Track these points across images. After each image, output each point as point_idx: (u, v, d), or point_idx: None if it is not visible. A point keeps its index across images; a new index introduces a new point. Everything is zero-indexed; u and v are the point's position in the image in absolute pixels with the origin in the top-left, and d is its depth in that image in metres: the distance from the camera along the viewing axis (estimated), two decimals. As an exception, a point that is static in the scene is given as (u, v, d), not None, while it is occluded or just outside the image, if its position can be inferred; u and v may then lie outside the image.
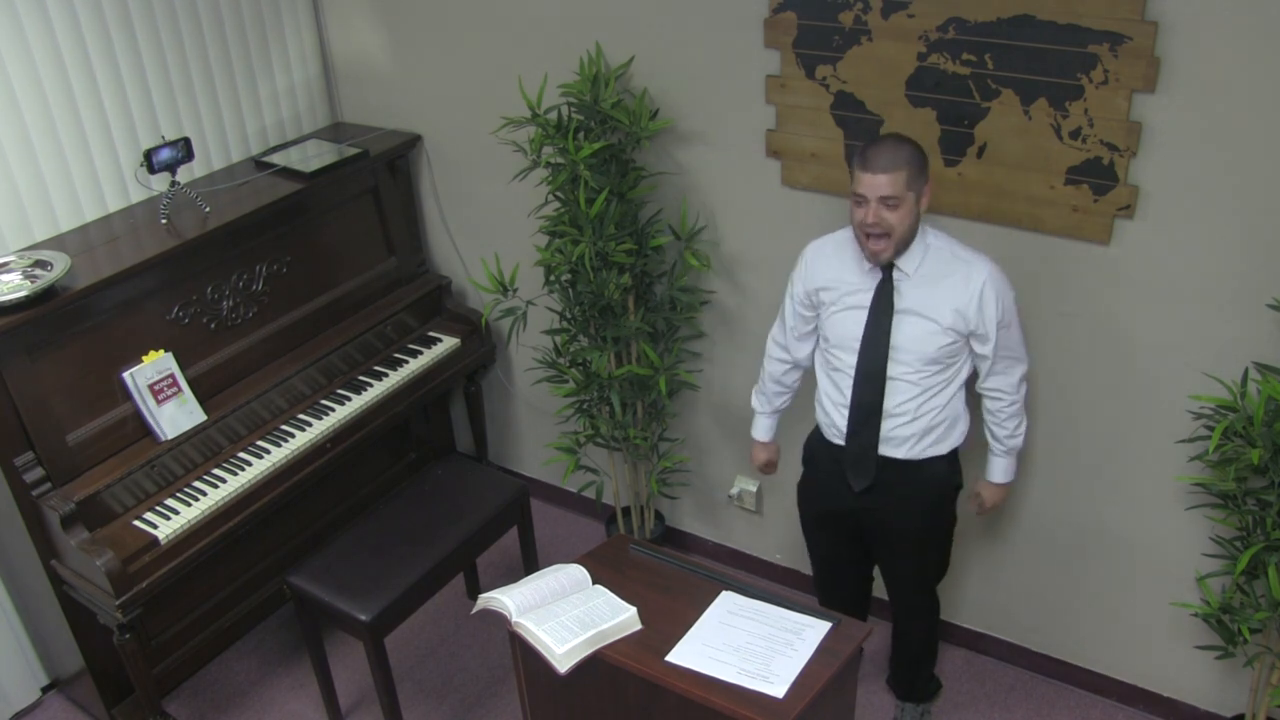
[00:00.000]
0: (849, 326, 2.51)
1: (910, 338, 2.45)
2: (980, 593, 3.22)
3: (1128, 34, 2.34)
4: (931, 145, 2.69)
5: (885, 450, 2.56)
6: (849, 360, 2.52)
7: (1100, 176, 2.52)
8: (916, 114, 2.68)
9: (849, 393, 2.54)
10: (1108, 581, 2.98)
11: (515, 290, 3.21)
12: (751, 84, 2.91)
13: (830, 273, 2.54)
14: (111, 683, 3.16)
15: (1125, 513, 2.86)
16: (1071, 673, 3.18)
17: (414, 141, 3.71)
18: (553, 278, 3.17)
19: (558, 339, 3.32)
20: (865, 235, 2.39)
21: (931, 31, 2.57)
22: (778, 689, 2.05)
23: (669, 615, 2.25)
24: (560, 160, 2.99)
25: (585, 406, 3.35)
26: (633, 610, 2.24)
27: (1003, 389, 2.56)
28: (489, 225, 3.69)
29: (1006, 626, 3.25)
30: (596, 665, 2.19)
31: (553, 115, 3.04)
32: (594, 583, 2.36)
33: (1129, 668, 3.07)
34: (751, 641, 2.17)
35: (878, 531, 2.71)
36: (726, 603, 2.28)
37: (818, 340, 2.66)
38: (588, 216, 2.93)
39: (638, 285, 3.19)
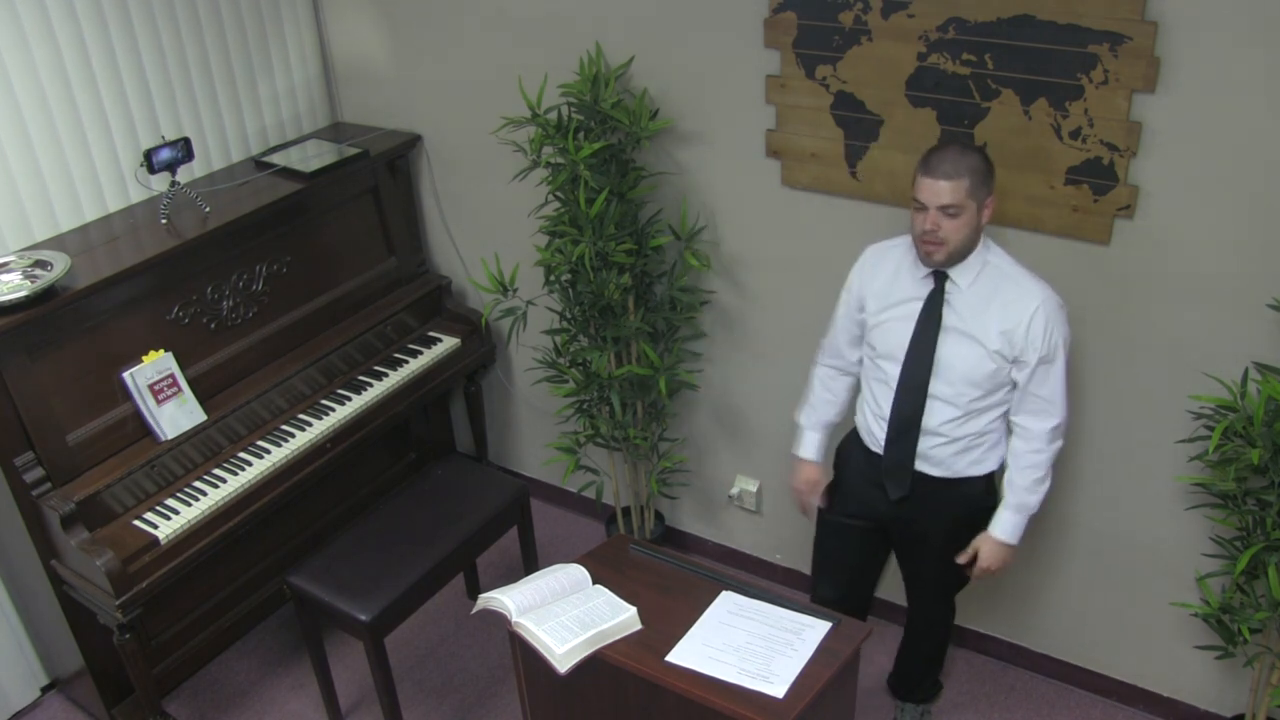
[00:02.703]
0: (896, 337, 2.44)
1: (955, 358, 2.38)
2: (981, 593, 3.22)
3: (1128, 34, 2.34)
4: (931, 145, 2.68)
5: (921, 467, 2.50)
6: (893, 372, 2.46)
7: (1100, 176, 2.52)
8: (916, 114, 2.68)
9: (889, 406, 2.48)
10: (1107, 581, 2.98)
11: (515, 290, 3.21)
12: (751, 84, 2.91)
13: (884, 279, 2.48)
14: (111, 683, 3.16)
15: (1125, 512, 2.86)
16: (1071, 673, 3.18)
17: (414, 141, 3.71)
18: (553, 278, 3.17)
19: (558, 339, 3.32)
20: (922, 242, 2.33)
21: (931, 31, 2.57)
22: (778, 689, 2.05)
23: (669, 615, 2.25)
24: (560, 160, 2.99)
25: (585, 406, 3.35)
26: (633, 610, 2.24)
27: (1030, 429, 2.44)
28: (489, 225, 3.69)
29: (1007, 626, 3.25)
30: (596, 665, 2.19)
31: (553, 115, 3.04)
32: (594, 583, 2.36)
33: (1129, 668, 3.07)
34: (751, 641, 2.16)
35: (906, 541, 2.68)
36: (726, 603, 2.28)
37: (867, 350, 2.60)
38: (588, 216, 2.93)
39: (638, 285, 3.19)
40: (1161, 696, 3.04)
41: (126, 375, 2.96)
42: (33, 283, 2.70)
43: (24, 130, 2.93)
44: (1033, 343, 2.34)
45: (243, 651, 3.51)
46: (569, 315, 3.25)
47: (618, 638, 2.21)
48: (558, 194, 3.08)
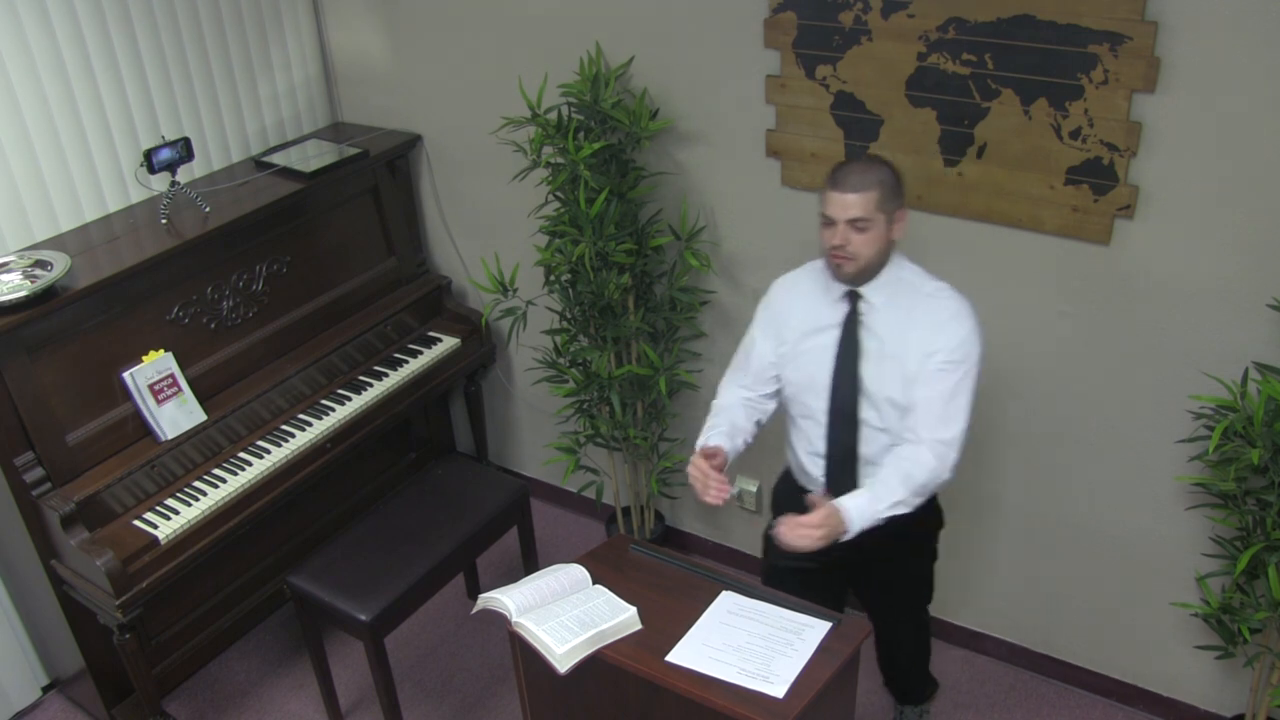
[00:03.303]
0: (815, 366, 2.36)
1: (880, 382, 2.30)
2: (979, 593, 3.22)
3: (1128, 34, 2.34)
4: (931, 145, 2.69)
5: None
6: (819, 405, 2.38)
7: (1100, 176, 2.52)
8: (916, 114, 2.68)
9: (822, 441, 2.41)
10: (1107, 581, 2.98)
11: (515, 290, 3.21)
12: (751, 84, 2.91)
13: (801, 309, 2.39)
14: (111, 683, 3.16)
15: (1125, 513, 2.86)
16: (1071, 673, 3.17)
17: (414, 141, 3.71)
18: (553, 278, 3.17)
19: (558, 339, 3.32)
20: (831, 257, 2.26)
21: (931, 31, 2.57)
22: (778, 689, 2.05)
23: (669, 615, 2.25)
24: (560, 160, 2.99)
25: (585, 406, 3.35)
26: (633, 610, 2.24)
27: (920, 435, 2.27)
28: (489, 225, 3.69)
29: (1006, 626, 3.25)
30: (596, 665, 2.19)
31: (553, 115, 3.04)
32: (594, 583, 2.36)
33: (1129, 668, 3.07)
34: (751, 641, 2.16)
35: (864, 573, 2.63)
36: (726, 603, 2.28)
37: (783, 387, 2.48)
38: (588, 216, 2.93)
39: (638, 285, 3.19)
40: (1161, 696, 3.04)
41: (126, 375, 2.96)
42: (33, 283, 2.70)
43: (24, 130, 2.93)
44: (947, 341, 2.24)
45: (243, 651, 3.51)
46: (569, 315, 3.25)
47: (618, 638, 2.20)
48: (558, 194, 3.08)
